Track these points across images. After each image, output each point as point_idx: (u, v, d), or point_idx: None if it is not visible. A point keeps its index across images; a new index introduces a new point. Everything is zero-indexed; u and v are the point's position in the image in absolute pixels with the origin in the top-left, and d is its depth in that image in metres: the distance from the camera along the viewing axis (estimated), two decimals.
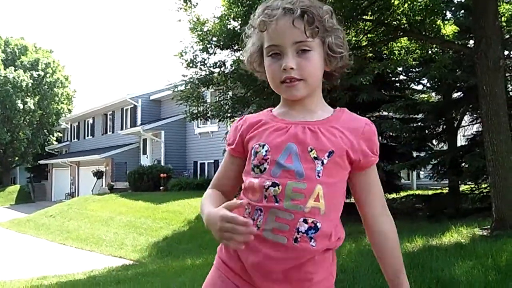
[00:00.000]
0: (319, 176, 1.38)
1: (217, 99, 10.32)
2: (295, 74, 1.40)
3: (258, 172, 1.42)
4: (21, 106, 39.95)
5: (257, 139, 1.44)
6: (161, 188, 23.14)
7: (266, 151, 1.40)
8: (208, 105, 10.43)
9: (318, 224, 1.38)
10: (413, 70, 13.83)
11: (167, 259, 10.42)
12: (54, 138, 45.94)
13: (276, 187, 1.36)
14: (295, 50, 1.39)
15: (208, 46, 9.04)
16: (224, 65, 9.45)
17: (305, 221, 1.36)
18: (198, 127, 25.50)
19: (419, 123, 13.42)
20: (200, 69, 9.55)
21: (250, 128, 1.49)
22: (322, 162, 1.38)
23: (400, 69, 13.83)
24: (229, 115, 10.50)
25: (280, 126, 1.44)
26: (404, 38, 9.21)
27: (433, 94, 14.60)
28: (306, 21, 1.38)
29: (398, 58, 9.43)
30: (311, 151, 1.38)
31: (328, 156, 1.39)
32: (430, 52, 10.01)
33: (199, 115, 10.35)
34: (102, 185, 28.99)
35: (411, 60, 9.67)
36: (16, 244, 16.69)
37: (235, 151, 1.52)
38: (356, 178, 1.53)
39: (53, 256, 13.87)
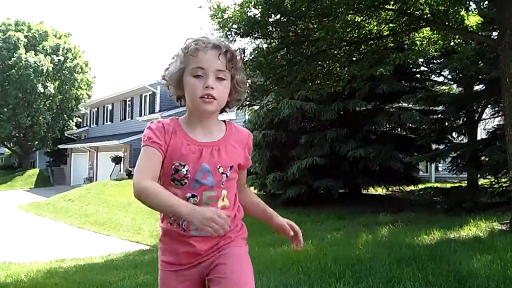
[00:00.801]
0: (223, 184, 1.88)
1: None
2: (213, 92, 1.80)
3: (178, 185, 1.84)
4: (42, 91, 40.31)
5: (177, 158, 1.82)
6: None
7: (186, 170, 1.82)
8: None
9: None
10: (434, 61, 13.66)
11: None
12: (74, 123, 46.33)
13: (195, 198, 1.84)
14: (215, 76, 1.80)
15: (228, 33, 8.97)
16: (244, 52, 9.38)
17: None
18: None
19: (439, 115, 13.27)
20: None
21: (170, 136, 1.84)
22: (227, 175, 1.88)
23: (421, 60, 13.67)
24: (247, 103, 10.46)
25: (195, 149, 1.84)
26: (427, 29, 9.05)
27: (454, 86, 14.42)
28: (227, 58, 1.82)
29: (420, 49, 9.27)
30: (219, 168, 1.86)
31: (229, 170, 1.89)
32: (452, 43, 9.85)
33: None
34: (120, 171, 29.23)
35: (433, 50, 9.52)
36: (35, 226, 16.93)
37: (163, 151, 1.83)
38: (239, 173, 2.00)
39: (71, 240, 14.05)
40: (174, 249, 1.92)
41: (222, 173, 1.86)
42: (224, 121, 1.99)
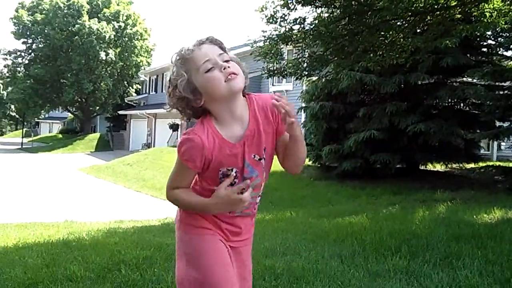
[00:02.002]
0: (263, 168, 1.96)
1: (295, 57, 10.15)
2: (232, 70, 1.82)
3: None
4: (104, 57, 41.26)
5: (223, 165, 1.87)
6: None
7: (236, 172, 1.89)
8: (285, 62, 10.30)
9: (261, 194, 2.04)
10: (503, 34, 13.07)
11: None
12: (133, 90, 47.35)
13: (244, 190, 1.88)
14: (221, 60, 1.82)
15: (289, 1, 8.86)
16: (304, 21, 9.23)
17: (259, 196, 2.03)
18: (273, 85, 25.43)
19: (506, 91, 12.70)
20: (280, 25, 9.37)
21: (210, 152, 1.83)
22: (263, 159, 1.94)
23: (489, 33, 13.10)
24: (306, 73, 10.32)
25: (236, 151, 1.87)
26: None
27: None
28: (217, 44, 1.87)
29: (489, 21, 8.85)
30: (254, 156, 1.91)
31: (264, 152, 1.93)
32: None
33: (276, 72, 10.24)
34: (177, 138, 29.72)
35: (503, 23, 9.07)
36: (95, 189, 17.55)
37: (197, 168, 1.87)
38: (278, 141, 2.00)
39: (129, 202, 14.50)
40: (215, 223, 1.97)
41: (259, 159, 1.92)
42: (245, 96, 1.97)
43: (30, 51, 44.05)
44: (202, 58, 1.81)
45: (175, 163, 1.91)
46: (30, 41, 43.51)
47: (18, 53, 44.26)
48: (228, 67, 1.81)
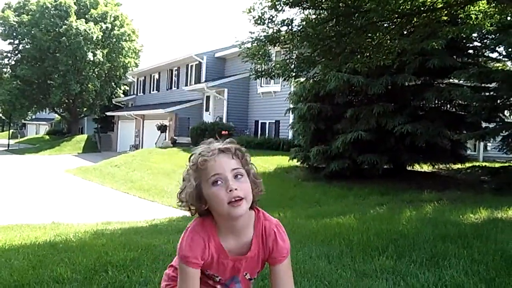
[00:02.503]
0: (250, 286, 2.00)
1: (283, 58, 10.18)
2: (238, 193, 1.77)
3: (210, 281, 1.94)
4: (91, 58, 41.07)
5: (211, 269, 1.91)
6: None
7: (219, 279, 1.92)
8: (273, 64, 10.32)
9: None
10: (489, 36, 13.19)
11: None
12: (121, 91, 47.17)
13: None
14: (233, 176, 1.79)
15: (277, 2, 8.87)
16: (292, 23, 9.26)
17: None
18: (261, 86, 25.48)
19: (492, 93, 12.82)
20: (268, 26, 9.39)
21: (207, 252, 1.86)
22: (253, 279, 1.99)
23: (475, 35, 13.21)
24: (294, 74, 10.34)
25: (228, 264, 1.89)
26: (483, 1, 8.71)
27: (509, 63, 13.93)
28: (238, 156, 1.84)
29: (475, 23, 8.93)
30: (246, 275, 1.94)
31: (256, 274, 1.99)
32: (509, 17, 9.48)
33: (264, 73, 10.26)
34: (165, 139, 29.67)
35: (488, 25, 9.16)
36: (83, 190, 17.45)
37: (200, 266, 1.87)
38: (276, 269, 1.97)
39: (117, 204, 14.43)
40: None
41: (250, 279, 1.96)
42: (254, 210, 1.94)
43: (16, 52, 43.72)
44: (213, 171, 1.79)
45: (180, 275, 1.89)
46: (16, 42, 43.19)
47: (5, 54, 43.90)
48: (235, 189, 1.77)
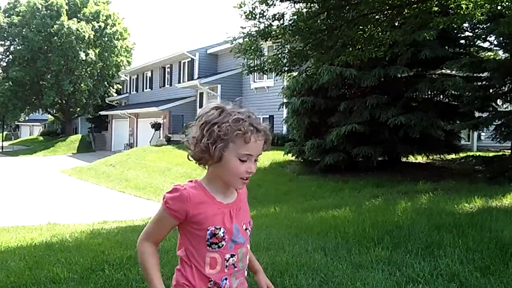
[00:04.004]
0: (248, 238, 1.99)
1: (275, 53, 10.18)
2: (252, 174, 1.85)
3: (215, 248, 1.86)
4: (83, 58, 40.92)
5: (211, 222, 1.85)
6: None
7: (223, 232, 1.85)
8: (265, 58, 10.32)
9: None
10: (480, 26, 13.21)
11: None
12: (114, 90, 47.05)
13: (234, 257, 1.90)
14: (253, 159, 1.85)
15: None
16: (283, 17, 9.26)
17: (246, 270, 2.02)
18: (254, 81, 25.47)
19: (484, 82, 12.87)
20: (259, 21, 9.40)
21: (195, 206, 1.83)
22: (249, 229, 1.99)
23: (466, 25, 13.23)
24: (286, 68, 10.35)
25: (226, 211, 1.89)
26: None
27: (500, 52, 13.95)
28: (266, 141, 1.87)
29: (465, 13, 8.94)
30: (243, 225, 1.94)
31: (249, 225, 2.01)
32: (500, 7, 9.49)
33: (256, 68, 10.26)
34: (159, 137, 29.63)
35: (479, 14, 9.16)
36: (78, 190, 17.42)
37: (178, 218, 1.84)
38: None
39: (112, 203, 14.41)
40: None
41: (246, 229, 1.97)
42: None
43: (8, 53, 43.55)
44: (248, 150, 1.81)
45: (155, 215, 1.88)
46: (7, 43, 43.01)
47: None
48: (251, 172, 1.84)
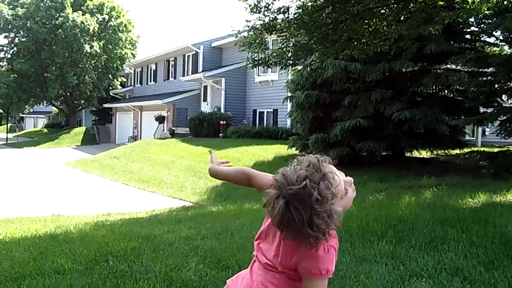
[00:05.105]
0: None
1: (280, 46, 10.16)
2: None
3: None
4: (88, 50, 40.92)
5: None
6: (220, 134, 23.43)
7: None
8: (270, 52, 10.30)
9: None
10: (486, 21, 13.13)
11: (225, 202, 10.64)
12: (118, 83, 47.07)
13: None
14: None
15: None
16: (288, 10, 9.24)
17: None
18: (258, 75, 25.44)
19: (489, 77, 12.79)
20: (264, 14, 9.38)
21: None
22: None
23: (472, 19, 13.16)
24: (291, 62, 10.33)
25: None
26: None
27: (506, 47, 13.86)
28: None
29: (471, 7, 8.90)
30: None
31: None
32: (506, 1, 9.45)
33: (260, 61, 10.24)
34: (163, 130, 29.67)
35: (485, 9, 9.13)
36: (82, 182, 17.47)
37: None
38: None
39: (116, 195, 14.45)
40: None
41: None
42: None
43: (12, 45, 43.59)
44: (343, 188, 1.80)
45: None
46: (12, 35, 43.02)
47: (0, 47, 43.74)
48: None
